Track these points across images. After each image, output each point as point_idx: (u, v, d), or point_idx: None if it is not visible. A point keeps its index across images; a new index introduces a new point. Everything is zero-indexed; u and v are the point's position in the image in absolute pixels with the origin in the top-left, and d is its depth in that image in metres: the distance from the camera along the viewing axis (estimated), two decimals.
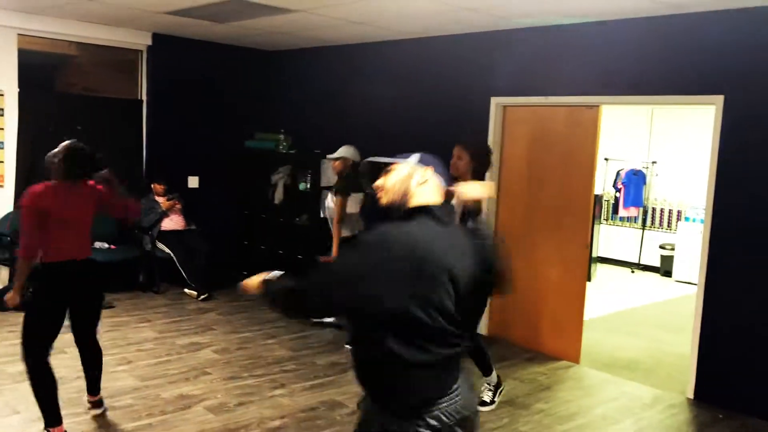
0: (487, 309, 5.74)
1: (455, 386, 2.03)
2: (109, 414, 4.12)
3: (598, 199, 9.58)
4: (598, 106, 5.44)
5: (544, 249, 5.74)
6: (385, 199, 2.10)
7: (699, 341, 4.88)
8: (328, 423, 4.19)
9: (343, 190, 5.65)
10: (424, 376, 1.98)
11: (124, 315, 6.23)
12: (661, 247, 9.97)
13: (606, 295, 8.24)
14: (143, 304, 6.67)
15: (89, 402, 4.08)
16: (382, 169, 2.13)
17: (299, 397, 4.57)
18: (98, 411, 4.07)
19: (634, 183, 10.04)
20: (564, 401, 4.77)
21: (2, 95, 6.54)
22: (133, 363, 5.03)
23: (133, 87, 7.57)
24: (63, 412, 3.74)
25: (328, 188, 5.85)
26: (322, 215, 7.24)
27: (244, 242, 8.14)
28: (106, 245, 6.88)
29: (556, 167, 5.68)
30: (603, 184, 10.27)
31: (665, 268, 9.85)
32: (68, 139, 3.80)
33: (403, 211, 2.06)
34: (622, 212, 10.18)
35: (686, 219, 9.66)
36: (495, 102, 6.00)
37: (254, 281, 2.24)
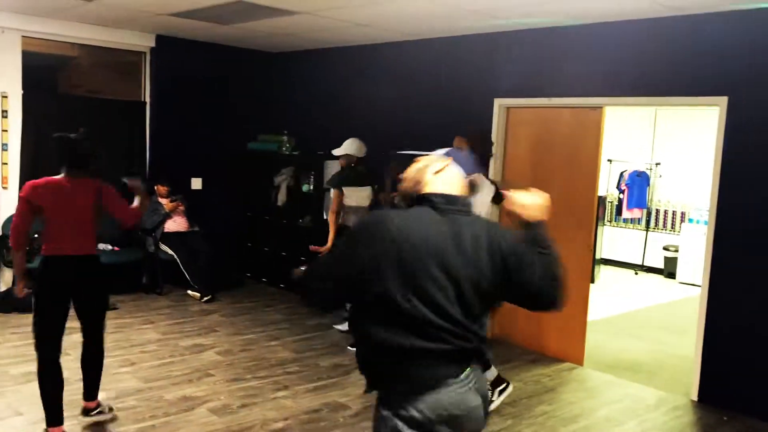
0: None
1: (448, 382, 1.99)
2: (113, 408, 4.13)
3: (602, 200, 9.55)
4: (601, 107, 5.43)
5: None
6: (402, 187, 2.18)
7: (703, 343, 4.87)
8: (331, 425, 4.18)
9: (335, 183, 5.85)
10: (407, 365, 1.99)
11: (128, 316, 6.24)
12: (665, 248, 9.95)
13: (610, 297, 8.22)
14: (146, 306, 6.67)
15: (84, 408, 3.98)
16: (410, 161, 2.24)
17: (302, 399, 4.57)
18: (92, 418, 3.97)
19: (637, 184, 10.03)
20: (567, 403, 4.76)
21: (6, 97, 6.56)
22: (137, 365, 5.03)
23: (137, 89, 7.58)
24: (66, 414, 3.75)
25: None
26: (325, 216, 7.25)
27: (248, 244, 8.15)
28: (110, 247, 6.89)
29: (560, 169, 5.68)
30: (606, 186, 10.25)
31: (669, 270, 9.83)
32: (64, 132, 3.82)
33: (411, 199, 2.14)
34: (626, 214, 10.17)
35: (690, 220, 9.64)
36: (498, 103, 5.99)
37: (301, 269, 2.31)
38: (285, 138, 7.65)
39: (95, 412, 3.99)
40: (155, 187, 7.31)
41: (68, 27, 6.74)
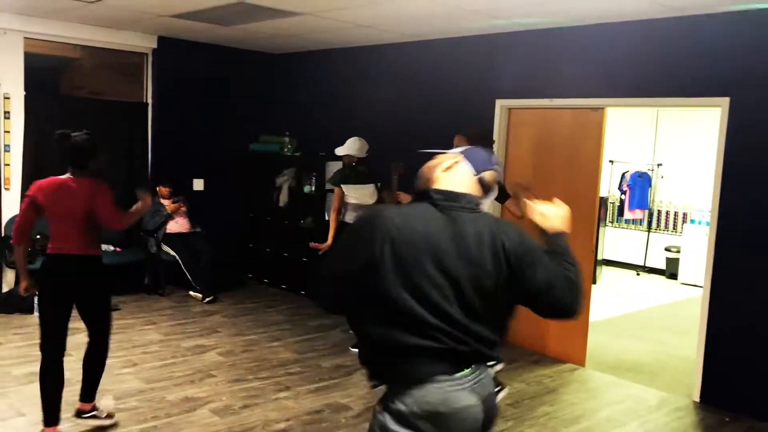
0: None
1: (436, 378, 1.96)
2: (115, 416, 4.12)
3: (604, 201, 9.55)
4: (603, 108, 5.43)
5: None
6: (416, 185, 2.20)
7: (705, 344, 4.86)
8: (333, 426, 4.18)
9: (336, 181, 5.91)
10: (401, 363, 1.99)
11: (130, 317, 6.24)
12: (667, 249, 9.94)
13: (611, 298, 8.22)
14: (148, 307, 6.68)
15: (78, 410, 3.93)
16: (416, 160, 2.29)
17: (304, 399, 4.57)
18: (91, 421, 3.93)
19: (639, 185, 10.02)
20: (569, 404, 4.76)
21: (8, 98, 6.57)
22: (139, 365, 5.04)
23: (139, 90, 7.60)
24: (68, 415, 3.75)
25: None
26: (327, 217, 7.26)
27: (249, 245, 8.15)
28: (112, 248, 6.89)
29: (561, 169, 5.68)
30: (608, 187, 10.24)
31: (671, 271, 9.82)
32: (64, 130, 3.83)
33: (416, 196, 2.16)
34: (628, 215, 10.16)
35: (692, 221, 9.64)
36: (500, 104, 5.99)
37: None
38: (287, 139, 7.66)
39: (88, 415, 3.94)
40: (157, 188, 7.32)
41: (70, 28, 6.75)
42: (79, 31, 6.81)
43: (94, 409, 3.97)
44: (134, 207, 3.88)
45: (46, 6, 5.95)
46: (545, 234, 2.15)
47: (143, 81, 7.58)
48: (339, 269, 2.05)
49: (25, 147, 6.69)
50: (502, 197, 4.62)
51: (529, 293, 2.00)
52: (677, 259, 9.67)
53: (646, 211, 10.24)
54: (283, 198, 7.71)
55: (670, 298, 8.67)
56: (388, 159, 6.03)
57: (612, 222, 10.62)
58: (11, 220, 6.58)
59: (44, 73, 7.07)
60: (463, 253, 1.97)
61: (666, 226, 10.25)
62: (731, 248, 4.72)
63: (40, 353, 3.68)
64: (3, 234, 6.58)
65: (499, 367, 4.38)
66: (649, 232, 10.34)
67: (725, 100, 4.70)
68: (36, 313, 6.01)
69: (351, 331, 5.60)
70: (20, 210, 3.73)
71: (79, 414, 3.93)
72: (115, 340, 5.34)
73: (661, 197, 10.28)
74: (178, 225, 7.31)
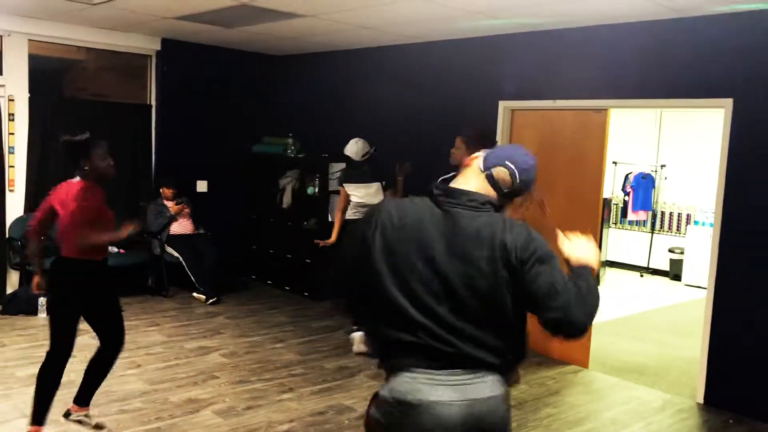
0: None
1: (412, 369, 1.97)
2: (118, 418, 4.13)
3: (607, 202, 9.54)
4: (606, 109, 5.43)
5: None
6: None
7: (708, 345, 4.86)
8: (337, 427, 4.19)
9: (340, 180, 6.07)
10: (384, 350, 2.06)
11: (133, 319, 6.25)
12: (671, 250, 9.92)
13: (615, 300, 8.20)
14: (152, 308, 6.69)
15: (72, 411, 3.89)
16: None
17: (307, 401, 4.58)
18: (73, 422, 3.89)
19: (642, 186, 10.01)
20: (573, 406, 4.76)
21: (12, 100, 6.59)
22: (142, 367, 5.05)
23: (142, 92, 7.61)
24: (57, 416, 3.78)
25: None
26: (330, 218, 7.26)
27: (253, 246, 8.16)
28: (116, 249, 6.91)
29: (565, 171, 5.67)
30: (612, 188, 10.23)
31: (674, 272, 9.80)
32: (66, 134, 3.81)
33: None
34: (631, 216, 10.14)
35: (696, 222, 9.62)
36: (503, 106, 5.99)
37: None
38: (290, 140, 7.66)
39: (76, 418, 3.88)
40: (161, 190, 7.33)
41: (74, 30, 6.77)
42: (83, 33, 6.84)
43: (86, 415, 3.91)
44: (117, 232, 3.74)
45: (50, 8, 5.97)
46: (570, 266, 2.08)
47: (147, 83, 7.60)
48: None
49: (29, 149, 6.70)
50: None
51: (530, 296, 1.91)
52: (681, 261, 9.65)
53: (650, 213, 10.22)
54: (287, 199, 7.72)
55: (674, 299, 8.65)
56: (391, 160, 6.05)
57: (615, 223, 10.61)
58: (15, 222, 6.61)
59: (48, 75, 7.09)
60: (454, 250, 1.94)
61: (669, 228, 10.24)
62: (735, 250, 4.71)
63: (45, 353, 3.69)
64: (7, 235, 6.60)
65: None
66: (652, 233, 10.32)
67: (729, 102, 4.69)
68: (41, 315, 6.08)
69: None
70: (40, 206, 3.80)
71: (67, 415, 3.90)
72: None
73: (665, 198, 10.26)
74: (181, 226, 7.33)
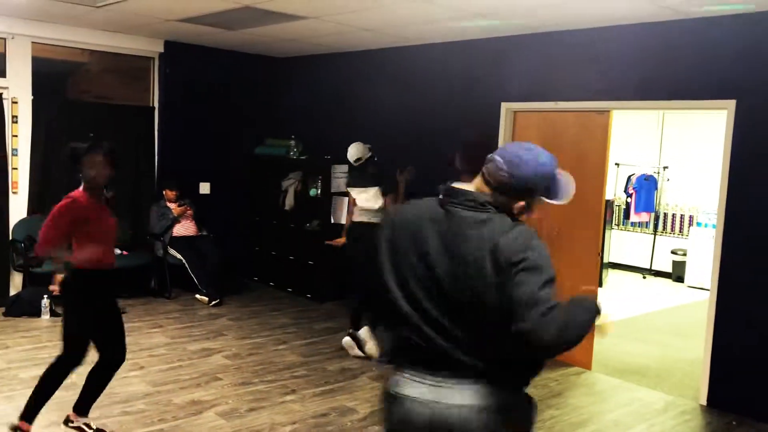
0: None
1: (406, 367, 2.02)
2: (121, 419, 4.14)
3: (610, 204, 9.54)
4: (608, 111, 5.43)
5: (555, 255, 5.70)
6: None
7: (711, 347, 4.85)
8: (339, 429, 4.19)
9: (345, 183, 6.20)
10: (394, 345, 2.08)
11: (136, 320, 6.26)
12: (673, 252, 9.91)
13: (618, 301, 8.19)
14: (155, 310, 6.70)
15: (72, 418, 3.86)
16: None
17: (310, 402, 4.58)
18: (71, 429, 3.86)
19: (645, 188, 10.00)
20: (575, 407, 4.75)
21: (16, 102, 6.61)
22: (145, 368, 5.06)
23: (145, 94, 7.63)
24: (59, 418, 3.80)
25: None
26: (332, 220, 7.27)
27: (255, 248, 8.17)
28: (119, 251, 6.92)
29: (567, 172, 5.65)
30: (614, 190, 10.23)
31: (677, 274, 9.79)
32: (76, 142, 3.81)
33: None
34: (634, 217, 10.14)
35: (698, 224, 9.61)
36: (505, 107, 6.00)
37: None
38: (292, 142, 7.68)
39: (75, 425, 3.85)
40: (164, 192, 7.35)
41: (78, 33, 6.79)
42: (86, 36, 6.85)
43: (87, 425, 3.87)
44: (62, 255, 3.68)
45: (53, 11, 5.98)
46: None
47: (150, 85, 7.61)
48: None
49: (32, 151, 6.72)
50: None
51: (509, 302, 1.81)
52: (683, 262, 9.64)
53: (652, 214, 10.21)
54: (289, 201, 7.72)
55: (677, 301, 8.64)
56: (394, 162, 6.05)
57: (618, 225, 10.60)
58: (18, 224, 6.62)
59: (52, 78, 7.11)
60: (448, 249, 1.93)
61: (672, 229, 10.23)
62: (738, 251, 4.71)
63: (56, 356, 3.70)
64: (11, 237, 6.61)
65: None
66: (655, 235, 10.31)
67: (731, 103, 4.69)
68: (45, 317, 6.09)
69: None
70: None
71: (67, 422, 3.88)
72: None
73: (667, 200, 10.25)
74: (184, 228, 7.34)
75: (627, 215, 10.25)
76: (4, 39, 6.51)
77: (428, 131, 6.60)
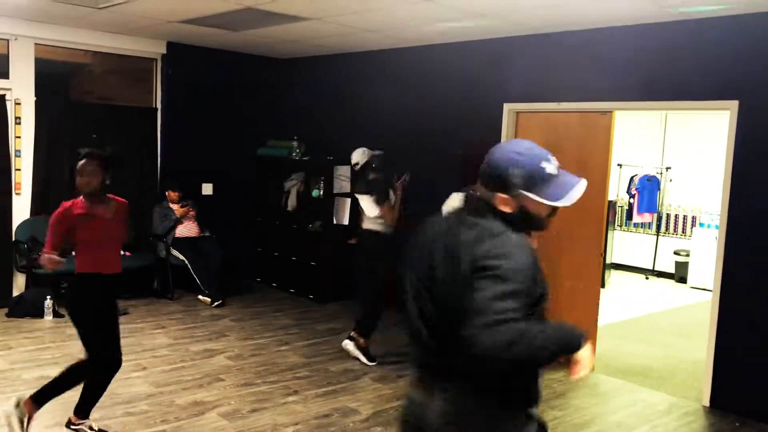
0: None
1: (413, 370, 2.07)
2: (124, 420, 4.14)
3: (612, 205, 9.52)
4: (611, 111, 5.42)
5: (558, 256, 5.72)
6: None
7: (714, 348, 4.84)
8: (341, 430, 4.19)
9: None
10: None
11: (139, 321, 6.27)
12: (676, 253, 9.90)
13: (620, 302, 8.19)
14: (157, 311, 6.71)
15: (73, 421, 3.86)
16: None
17: (312, 403, 4.58)
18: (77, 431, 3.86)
19: (648, 189, 9.99)
20: (578, 408, 4.75)
21: (19, 104, 6.62)
22: (148, 369, 5.06)
23: (148, 95, 7.64)
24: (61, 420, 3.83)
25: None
26: (335, 221, 7.27)
27: (258, 249, 8.17)
28: (121, 252, 6.92)
29: (570, 173, 5.65)
30: (617, 190, 10.22)
31: (680, 275, 9.78)
32: (84, 147, 3.82)
33: None
34: (636, 218, 10.12)
35: (701, 225, 9.59)
36: (507, 108, 5.99)
37: None
38: (295, 143, 7.68)
39: (74, 428, 3.86)
40: (166, 193, 7.36)
41: (80, 34, 6.80)
42: (89, 37, 6.86)
43: (89, 426, 3.87)
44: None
45: (56, 12, 5.99)
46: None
47: (153, 86, 7.62)
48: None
49: (35, 152, 6.73)
50: None
51: (468, 305, 1.75)
52: (686, 263, 9.63)
53: (655, 215, 10.20)
54: (292, 202, 7.73)
55: (680, 302, 8.63)
56: (394, 163, 6.04)
57: (621, 226, 10.59)
58: (21, 225, 6.63)
59: (54, 79, 7.12)
60: (446, 251, 1.91)
61: (675, 230, 10.21)
62: (741, 252, 4.70)
63: (89, 357, 3.74)
64: (14, 238, 6.62)
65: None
66: (657, 235, 10.30)
67: (734, 104, 4.68)
68: (48, 317, 6.10)
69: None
70: None
71: (68, 424, 3.88)
72: (124, 344, 5.33)
73: (670, 201, 10.24)
74: (186, 229, 7.34)
75: (630, 216, 10.24)
76: (7, 40, 6.52)
77: (430, 132, 6.60)
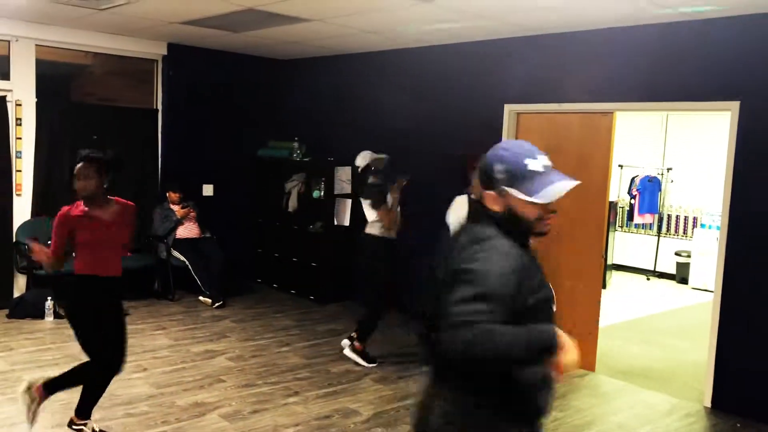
0: None
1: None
2: (125, 421, 4.14)
3: (613, 205, 9.52)
4: (612, 112, 5.42)
5: (559, 257, 5.72)
6: None
7: (716, 349, 4.84)
8: (342, 431, 4.19)
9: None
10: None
11: (140, 322, 6.27)
12: (677, 254, 9.89)
13: (621, 303, 8.18)
14: (158, 312, 6.71)
15: (74, 420, 3.85)
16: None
17: (313, 404, 4.58)
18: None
19: (649, 189, 9.98)
20: (579, 409, 4.74)
21: (20, 105, 6.62)
22: (149, 370, 5.06)
23: (149, 96, 7.64)
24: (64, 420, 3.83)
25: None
26: (335, 222, 7.28)
27: (258, 250, 8.17)
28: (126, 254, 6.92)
29: (571, 174, 5.55)
30: (618, 191, 10.21)
31: (681, 275, 9.77)
32: (85, 149, 3.82)
33: None
34: (638, 219, 10.11)
35: (702, 226, 9.58)
36: (508, 109, 5.99)
37: None
38: (295, 144, 7.68)
39: (75, 428, 3.85)
40: (167, 194, 7.36)
41: (81, 35, 6.80)
42: (89, 38, 6.87)
43: (91, 427, 3.86)
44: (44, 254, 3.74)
45: (57, 13, 6.00)
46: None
47: (153, 87, 7.63)
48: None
49: (36, 154, 6.74)
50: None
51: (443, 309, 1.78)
52: (687, 264, 9.62)
53: (656, 216, 10.19)
54: (292, 203, 7.73)
55: (681, 302, 8.62)
56: (394, 164, 6.03)
57: (622, 226, 10.58)
58: (22, 226, 6.64)
59: (55, 80, 7.13)
60: (444, 259, 1.97)
61: (676, 231, 10.21)
62: (742, 252, 4.70)
63: (96, 359, 3.75)
64: (15, 239, 6.62)
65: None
66: (659, 236, 10.29)
67: (735, 104, 4.68)
68: (48, 318, 6.09)
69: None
70: None
71: (70, 424, 3.87)
72: None
73: (671, 201, 10.23)
74: (187, 230, 7.34)
75: (631, 217, 10.23)
76: (8, 42, 6.53)
77: (431, 133, 6.59)
